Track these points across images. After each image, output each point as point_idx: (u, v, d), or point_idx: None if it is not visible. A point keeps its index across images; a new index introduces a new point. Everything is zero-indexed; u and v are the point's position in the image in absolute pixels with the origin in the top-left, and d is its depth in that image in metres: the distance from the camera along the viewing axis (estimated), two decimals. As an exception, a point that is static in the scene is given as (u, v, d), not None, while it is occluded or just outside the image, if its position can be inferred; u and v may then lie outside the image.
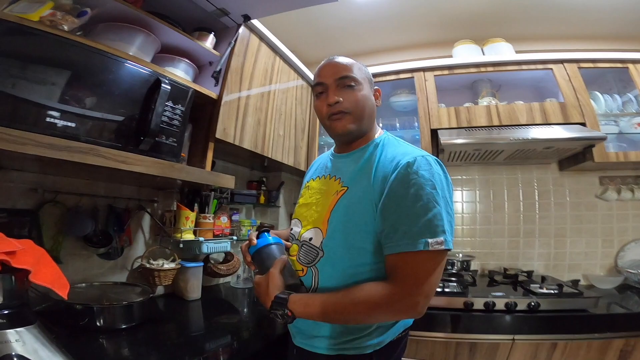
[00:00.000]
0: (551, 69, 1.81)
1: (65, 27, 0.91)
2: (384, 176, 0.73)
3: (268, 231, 0.87)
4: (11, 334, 0.60)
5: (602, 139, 1.59)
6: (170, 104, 1.06)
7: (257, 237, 0.85)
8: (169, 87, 1.02)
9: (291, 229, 0.94)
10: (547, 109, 1.76)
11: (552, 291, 1.47)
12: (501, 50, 1.95)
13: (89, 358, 0.82)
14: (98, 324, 1.00)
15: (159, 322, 1.17)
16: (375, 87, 0.90)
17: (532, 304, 1.38)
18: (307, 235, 0.84)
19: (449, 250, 0.66)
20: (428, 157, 0.73)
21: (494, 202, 2.09)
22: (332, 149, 0.98)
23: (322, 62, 0.88)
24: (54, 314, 0.96)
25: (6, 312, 0.62)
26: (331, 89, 0.82)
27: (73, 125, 0.83)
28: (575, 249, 1.95)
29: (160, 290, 1.44)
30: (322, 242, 0.80)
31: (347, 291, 0.70)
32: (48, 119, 0.78)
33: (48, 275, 0.63)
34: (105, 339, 0.96)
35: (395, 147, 0.81)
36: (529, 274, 1.78)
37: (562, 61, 1.80)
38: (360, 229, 0.75)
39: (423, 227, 0.65)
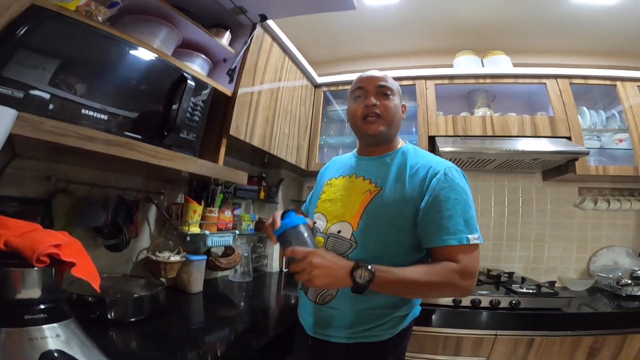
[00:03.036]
0: (545, 83, 1.92)
1: (100, 19, 0.90)
2: (421, 181, 0.85)
3: (294, 210, 0.85)
4: (51, 328, 0.60)
5: (585, 153, 1.72)
6: (192, 100, 1.07)
7: (282, 218, 0.82)
8: (194, 84, 1.04)
9: (314, 222, 0.98)
10: (537, 122, 1.88)
11: (531, 291, 1.59)
12: (500, 63, 2.05)
13: (108, 351, 0.83)
14: (109, 316, 1.00)
15: (166, 315, 1.18)
16: (403, 103, 1.00)
17: (513, 302, 1.49)
18: (334, 228, 0.92)
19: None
20: (457, 168, 0.87)
21: (481, 207, 2.21)
22: (355, 150, 1.06)
23: (363, 73, 0.99)
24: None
25: (45, 306, 0.62)
26: (370, 94, 0.94)
27: (105, 118, 0.83)
28: (552, 254, 2.10)
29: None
30: (352, 234, 0.88)
31: (428, 265, 0.81)
32: (84, 111, 0.78)
33: (87, 268, 0.64)
34: (115, 332, 0.97)
35: (422, 156, 0.93)
36: (510, 275, 1.90)
37: (555, 77, 1.91)
38: (395, 224, 0.85)
39: (463, 226, 0.79)
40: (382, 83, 0.95)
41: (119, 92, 0.90)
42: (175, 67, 1.05)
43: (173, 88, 1.03)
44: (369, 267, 0.74)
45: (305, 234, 0.80)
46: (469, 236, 0.78)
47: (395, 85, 0.98)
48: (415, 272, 0.79)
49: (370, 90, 0.94)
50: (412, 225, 0.85)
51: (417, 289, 0.81)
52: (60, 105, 0.76)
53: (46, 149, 0.88)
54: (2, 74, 0.68)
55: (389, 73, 2.01)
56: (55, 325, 0.61)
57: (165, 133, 0.98)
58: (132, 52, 0.94)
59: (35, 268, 0.58)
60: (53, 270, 0.64)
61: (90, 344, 0.66)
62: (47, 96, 0.74)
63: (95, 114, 0.82)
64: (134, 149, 0.81)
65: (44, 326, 0.60)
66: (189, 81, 1.01)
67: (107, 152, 0.73)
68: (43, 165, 1.04)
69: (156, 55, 1.00)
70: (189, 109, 1.06)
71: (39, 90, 0.73)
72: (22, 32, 0.70)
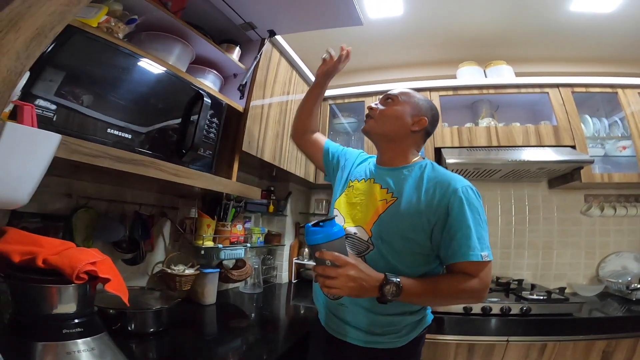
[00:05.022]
0: (547, 92, 1.96)
1: (120, 35, 0.93)
2: (439, 197, 0.87)
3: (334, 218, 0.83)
4: (86, 342, 0.63)
5: (590, 162, 1.74)
6: (208, 117, 1.11)
7: (324, 224, 0.79)
8: (210, 101, 1.07)
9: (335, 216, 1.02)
10: (541, 132, 1.91)
11: (541, 297, 1.60)
12: (502, 73, 2.09)
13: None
14: (130, 328, 1.03)
15: (182, 326, 1.20)
16: (423, 117, 1.00)
17: (524, 308, 1.50)
18: (351, 229, 0.96)
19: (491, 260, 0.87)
20: (473, 187, 0.91)
21: (488, 216, 2.20)
22: (375, 159, 1.10)
23: None
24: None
25: (79, 321, 0.65)
26: (379, 101, 1.06)
27: (129, 137, 0.87)
28: (561, 260, 2.10)
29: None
30: (369, 238, 0.92)
31: (455, 279, 0.85)
32: (110, 130, 0.82)
33: (118, 283, 0.67)
34: (135, 343, 0.99)
35: (439, 172, 0.95)
36: (520, 282, 1.90)
37: (557, 85, 1.95)
38: (406, 235, 0.89)
39: (476, 244, 0.83)
40: (388, 92, 1.06)
41: (139, 110, 0.93)
42: (191, 84, 1.09)
43: (189, 105, 1.06)
44: (398, 281, 0.79)
45: (345, 245, 0.82)
46: (482, 254, 0.83)
47: (408, 98, 1.03)
48: (439, 284, 0.86)
49: (381, 99, 1.07)
50: (425, 237, 0.88)
51: (440, 300, 0.90)
52: (86, 123, 0.79)
53: (68, 166, 0.91)
54: (32, 92, 0.68)
55: (393, 85, 2.10)
56: (89, 339, 0.64)
57: (184, 151, 1.01)
58: (150, 69, 0.97)
59: (72, 284, 0.61)
60: (87, 285, 0.67)
61: (122, 357, 0.68)
62: (73, 114, 0.76)
63: (120, 133, 0.85)
64: (159, 169, 0.84)
65: (79, 340, 0.63)
66: (205, 99, 1.05)
67: (134, 171, 0.77)
68: (64, 182, 1.08)
69: (173, 72, 1.04)
70: (205, 126, 1.10)
71: (67, 108, 0.75)
72: (50, 49, 0.71)
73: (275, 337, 1.25)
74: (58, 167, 0.89)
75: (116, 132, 0.83)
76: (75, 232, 1.09)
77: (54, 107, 0.72)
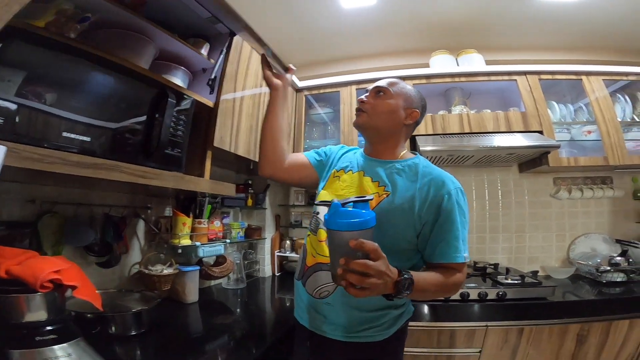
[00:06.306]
0: (515, 80, 2.01)
1: (72, 35, 0.89)
2: (432, 197, 0.89)
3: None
4: (62, 348, 0.63)
5: (556, 147, 1.81)
6: (175, 114, 1.09)
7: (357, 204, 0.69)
8: (175, 98, 1.05)
9: (317, 213, 1.03)
10: (510, 118, 1.96)
11: (515, 281, 1.65)
12: (473, 61, 2.11)
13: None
14: (110, 331, 1.03)
15: (165, 327, 1.20)
16: (415, 110, 1.01)
17: (500, 293, 1.55)
18: None
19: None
20: (462, 189, 0.93)
21: (463, 201, 2.27)
22: (362, 150, 1.10)
23: None
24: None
25: (53, 327, 0.64)
26: (369, 94, 1.03)
27: (88, 139, 0.84)
28: (533, 243, 2.19)
29: (155, 295, 1.46)
30: None
31: (444, 275, 0.87)
32: (65, 134, 0.79)
33: (87, 289, 0.67)
34: (117, 347, 0.99)
35: (434, 170, 0.95)
36: (495, 266, 1.96)
37: (525, 73, 2.00)
38: (397, 231, 0.89)
39: (462, 246, 0.88)
40: (377, 84, 1.04)
41: (98, 111, 0.89)
42: (155, 81, 1.06)
43: (154, 104, 1.03)
44: (411, 276, 0.75)
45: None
46: (464, 255, 0.89)
47: (400, 90, 1.01)
48: (436, 278, 0.86)
49: (370, 92, 1.04)
50: (413, 234, 0.90)
51: (436, 294, 0.89)
52: (41, 127, 0.75)
53: (27, 173, 0.88)
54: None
55: (369, 74, 2.09)
56: (65, 345, 0.64)
57: (150, 151, 0.99)
58: (108, 67, 0.92)
59: (39, 293, 0.60)
60: (56, 293, 0.66)
61: (101, 360, 0.69)
62: (27, 117, 0.72)
63: (77, 136, 0.82)
64: (123, 171, 0.82)
65: (55, 346, 0.63)
66: (170, 96, 1.02)
67: (95, 176, 0.75)
68: (26, 188, 1.04)
69: (133, 70, 0.99)
70: (172, 124, 1.07)
71: (24, 110, 0.71)
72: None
73: (262, 331, 1.27)
74: (15, 174, 0.86)
75: (73, 136, 0.80)
76: (43, 239, 1.07)
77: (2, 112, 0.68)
